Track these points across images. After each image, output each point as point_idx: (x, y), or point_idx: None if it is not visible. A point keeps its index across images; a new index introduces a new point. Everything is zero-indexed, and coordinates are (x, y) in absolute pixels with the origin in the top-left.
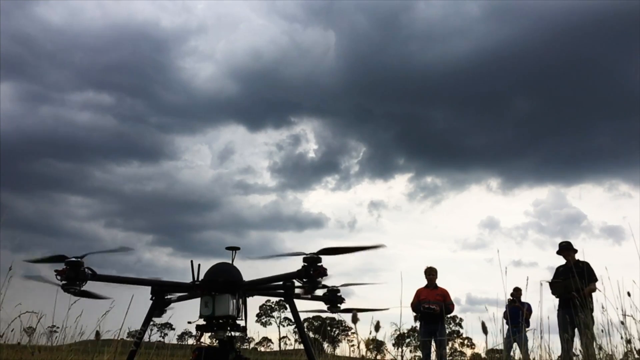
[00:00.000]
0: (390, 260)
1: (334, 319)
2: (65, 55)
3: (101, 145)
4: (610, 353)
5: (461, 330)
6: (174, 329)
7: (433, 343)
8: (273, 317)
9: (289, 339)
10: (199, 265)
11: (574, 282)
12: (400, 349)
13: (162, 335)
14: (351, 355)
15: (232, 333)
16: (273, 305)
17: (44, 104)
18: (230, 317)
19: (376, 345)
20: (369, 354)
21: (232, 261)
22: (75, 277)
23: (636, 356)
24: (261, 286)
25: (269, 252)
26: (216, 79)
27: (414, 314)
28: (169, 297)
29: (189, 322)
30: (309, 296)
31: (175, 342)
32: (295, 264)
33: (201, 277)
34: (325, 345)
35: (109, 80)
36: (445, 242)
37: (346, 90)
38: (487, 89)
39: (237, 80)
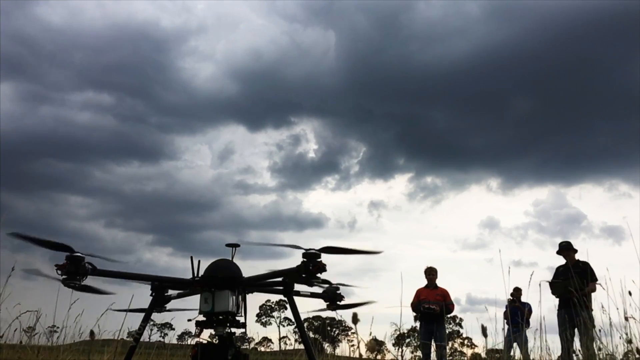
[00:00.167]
0: (390, 260)
1: (334, 318)
2: (65, 55)
3: (101, 145)
4: (610, 353)
5: (461, 330)
6: (174, 329)
7: (433, 343)
8: (273, 317)
9: (289, 339)
10: (199, 261)
11: (574, 282)
12: (400, 349)
13: (162, 335)
14: (351, 355)
15: (232, 329)
16: (273, 305)
17: (44, 104)
18: (229, 313)
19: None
20: (369, 354)
21: (232, 258)
22: (75, 271)
23: (637, 356)
24: (261, 282)
25: (269, 252)
26: (216, 79)
27: (414, 314)
28: (168, 294)
29: (189, 320)
30: (309, 293)
31: (175, 342)
32: (295, 261)
33: (201, 273)
34: (326, 345)
35: (109, 80)
36: (445, 242)
37: (346, 90)
38: (487, 89)
39: (237, 80)
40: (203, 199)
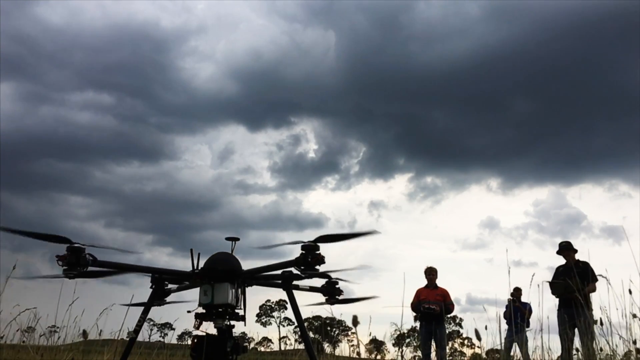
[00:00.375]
0: (390, 260)
1: (334, 318)
2: (65, 55)
3: (101, 145)
4: (610, 353)
5: (461, 330)
6: (174, 329)
7: (433, 343)
8: (273, 317)
9: (289, 339)
10: (199, 254)
11: (575, 282)
12: (400, 349)
13: (162, 335)
14: (351, 355)
15: (231, 322)
16: (273, 306)
17: (44, 104)
18: (229, 305)
19: (376, 346)
20: (369, 354)
21: (232, 251)
22: (76, 262)
23: (638, 356)
24: (260, 275)
25: (269, 252)
26: (216, 79)
27: (414, 314)
28: (168, 287)
29: (189, 312)
30: (308, 287)
31: (175, 342)
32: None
33: (201, 266)
34: (326, 345)
35: (109, 80)
36: (445, 242)
37: (346, 90)
38: (487, 89)
39: (237, 80)
40: (203, 199)
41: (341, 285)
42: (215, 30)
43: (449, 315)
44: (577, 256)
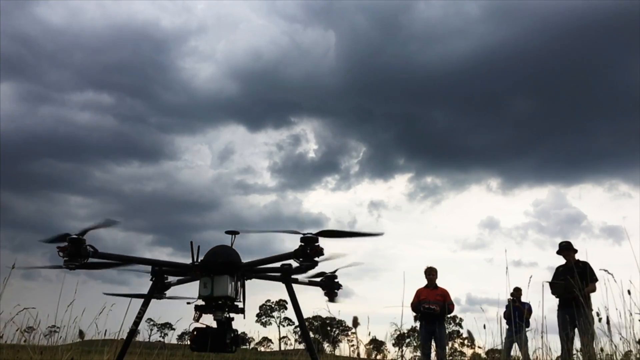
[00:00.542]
0: (390, 260)
1: (334, 318)
2: (65, 55)
3: (101, 145)
4: (610, 353)
5: (461, 330)
6: (174, 329)
7: (433, 343)
8: (273, 317)
9: (289, 339)
10: (199, 247)
11: (577, 282)
12: (400, 349)
13: (162, 335)
14: (351, 355)
15: (230, 314)
16: (273, 306)
17: (44, 104)
18: (228, 298)
19: (376, 346)
20: (367, 356)
21: (232, 244)
22: (77, 253)
23: (638, 356)
24: (259, 268)
25: (269, 252)
26: (216, 79)
27: (414, 314)
28: (168, 281)
29: (188, 303)
30: (307, 281)
31: (175, 342)
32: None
33: (201, 259)
34: (326, 345)
35: (109, 80)
36: (445, 242)
37: (346, 90)
38: (487, 89)
39: (237, 81)
40: (203, 199)
41: (344, 288)
42: (215, 30)
43: (449, 315)
44: (577, 256)
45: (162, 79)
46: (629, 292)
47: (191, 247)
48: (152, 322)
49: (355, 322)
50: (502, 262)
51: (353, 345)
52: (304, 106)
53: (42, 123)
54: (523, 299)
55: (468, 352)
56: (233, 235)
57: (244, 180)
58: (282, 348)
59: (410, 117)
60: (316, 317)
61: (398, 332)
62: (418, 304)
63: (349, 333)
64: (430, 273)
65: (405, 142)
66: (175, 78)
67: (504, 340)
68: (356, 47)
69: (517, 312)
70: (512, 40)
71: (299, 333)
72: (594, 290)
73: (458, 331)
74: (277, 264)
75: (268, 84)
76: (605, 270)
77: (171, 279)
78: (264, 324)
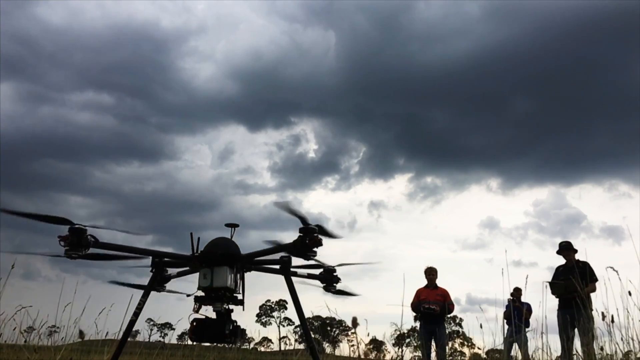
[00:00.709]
0: (390, 260)
1: (334, 318)
2: (65, 55)
3: (101, 145)
4: (611, 353)
5: (461, 330)
6: (174, 329)
7: (433, 343)
8: (273, 317)
9: (289, 339)
10: (199, 238)
11: (577, 282)
12: (400, 349)
13: (162, 335)
14: (351, 355)
15: (230, 306)
16: (273, 306)
17: (44, 104)
18: (228, 289)
19: (376, 346)
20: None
21: (232, 237)
22: (78, 243)
23: (638, 356)
24: (258, 260)
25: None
26: (216, 79)
27: (414, 314)
28: (168, 273)
29: (188, 295)
30: (306, 274)
31: (175, 342)
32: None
33: (201, 250)
34: (326, 345)
35: (109, 80)
36: (445, 242)
37: (346, 90)
38: (487, 89)
39: (237, 81)
40: (203, 199)
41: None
42: (215, 31)
43: (449, 316)
44: (577, 256)
45: (162, 79)
46: (629, 293)
47: (191, 239)
48: (152, 322)
49: (355, 323)
50: (502, 262)
51: (353, 345)
52: (304, 106)
53: (42, 123)
54: (523, 298)
55: (468, 352)
56: (233, 228)
57: (244, 180)
58: (282, 348)
59: (410, 117)
60: (316, 317)
61: (398, 332)
62: (418, 304)
63: (349, 333)
64: (430, 273)
65: (405, 142)
66: (175, 78)
67: (503, 341)
68: (356, 47)
69: (517, 312)
70: (512, 40)
71: (299, 333)
72: (594, 290)
73: (458, 331)
74: (277, 256)
75: (268, 84)
76: (611, 268)
77: (171, 271)
78: (264, 324)
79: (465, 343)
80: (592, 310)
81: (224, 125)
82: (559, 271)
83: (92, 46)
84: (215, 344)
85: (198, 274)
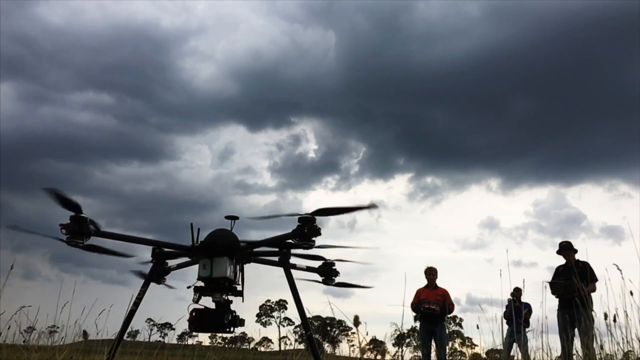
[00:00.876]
0: (390, 260)
1: (334, 318)
2: (65, 55)
3: (101, 145)
4: (610, 353)
5: (461, 330)
6: (174, 329)
7: (433, 343)
8: (273, 317)
9: (289, 339)
10: (199, 229)
11: (577, 282)
12: (400, 349)
13: (162, 335)
14: (351, 355)
15: (229, 297)
16: (273, 306)
17: (44, 104)
18: (227, 279)
19: (376, 346)
20: (369, 354)
21: (232, 229)
22: (79, 231)
23: (638, 356)
24: (258, 252)
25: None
26: (216, 79)
27: (414, 314)
28: (168, 266)
29: (188, 287)
30: (305, 267)
31: (175, 342)
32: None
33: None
34: (326, 345)
35: (109, 80)
36: (445, 242)
37: (346, 90)
38: (487, 89)
39: (237, 81)
40: (203, 199)
41: (343, 289)
42: (215, 31)
43: (449, 316)
44: (577, 256)
45: (162, 79)
46: (631, 293)
47: (191, 229)
48: (152, 322)
49: (357, 321)
50: (502, 262)
51: (353, 345)
52: (304, 106)
53: (42, 123)
54: (522, 299)
55: (468, 352)
56: (233, 221)
57: (244, 180)
58: (282, 348)
59: (410, 117)
60: (316, 317)
61: (398, 332)
62: (418, 304)
63: (349, 333)
64: (430, 273)
65: (405, 142)
66: (175, 78)
67: (503, 341)
68: (356, 47)
69: (517, 312)
70: (512, 40)
71: (299, 333)
72: (594, 290)
73: (458, 331)
74: (276, 248)
75: (268, 84)
76: (615, 265)
77: (171, 263)
78: (264, 324)
79: (465, 343)
80: (592, 310)
81: (224, 125)
82: (559, 271)
83: (92, 46)
84: (214, 334)
85: (198, 264)
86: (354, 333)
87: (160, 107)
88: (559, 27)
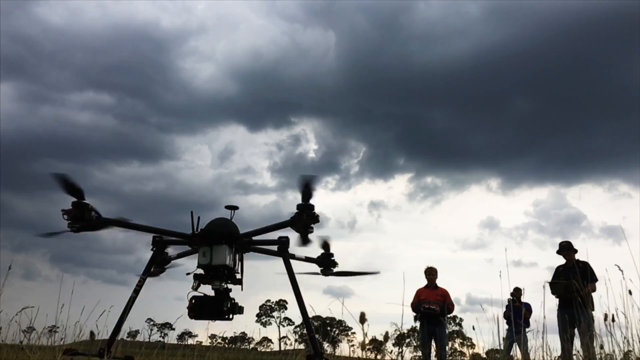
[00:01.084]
0: (390, 260)
1: (334, 318)
2: (65, 56)
3: (101, 145)
4: (610, 353)
5: (462, 330)
6: (174, 329)
7: (433, 343)
8: (273, 317)
9: (289, 339)
10: (199, 217)
11: (577, 282)
12: (400, 349)
13: (162, 335)
14: (351, 355)
15: (229, 285)
16: (273, 306)
17: (44, 104)
18: (226, 267)
19: (376, 345)
20: (368, 354)
21: (231, 219)
22: (81, 217)
23: (638, 356)
24: (257, 240)
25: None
26: (216, 79)
27: (414, 314)
28: (169, 255)
29: (187, 274)
30: (303, 257)
31: (175, 342)
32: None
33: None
34: (326, 345)
35: (109, 80)
36: (445, 242)
37: (346, 90)
38: (487, 89)
39: (237, 81)
40: (203, 199)
41: (343, 290)
42: (216, 31)
43: (449, 316)
44: (577, 256)
45: (162, 79)
46: (629, 292)
47: (191, 217)
48: (152, 322)
49: (363, 319)
50: (502, 262)
51: (353, 345)
52: (304, 106)
53: (42, 123)
54: (521, 299)
55: (468, 352)
56: (232, 211)
57: (244, 180)
58: (282, 348)
59: (410, 117)
60: (316, 317)
61: (398, 332)
62: (418, 304)
63: (349, 333)
64: (430, 273)
65: (405, 142)
66: (175, 78)
67: (502, 341)
68: (356, 47)
69: (517, 312)
70: (512, 40)
71: (299, 333)
72: (594, 290)
73: (458, 331)
74: (275, 237)
75: (268, 84)
76: (617, 266)
77: (171, 253)
78: (264, 324)
79: (465, 343)
80: (592, 310)
81: (224, 125)
82: (559, 271)
83: (92, 46)
84: (214, 320)
85: (198, 252)
86: (354, 333)
87: (160, 107)
88: (558, 27)
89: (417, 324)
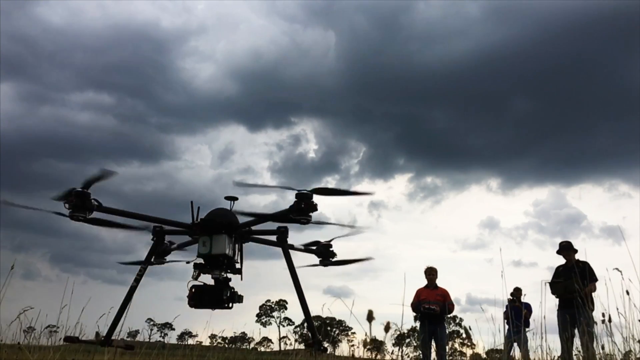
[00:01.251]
0: (390, 260)
1: (334, 318)
2: (65, 55)
3: (101, 145)
4: (611, 353)
5: (461, 330)
6: (174, 329)
7: (433, 343)
8: (273, 317)
9: (289, 339)
10: (199, 207)
11: (577, 282)
12: (400, 349)
13: (162, 335)
14: (351, 355)
15: (228, 274)
16: (273, 306)
17: (44, 104)
18: (226, 256)
19: (376, 345)
20: (368, 354)
21: (231, 209)
22: (82, 206)
23: (638, 356)
24: (256, 229)
25: (270, 253)
26: (216, 79)
27: (414, 314)
28: (170, 246)
29: (187, 262)
30: (302, 247)
31: (175, 342)
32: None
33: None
34: (326, 344)
35: (109, 80)
36: (445, 242)
37: (346, 90)
38: (487, 89)
39: (237, 81)
40: (203, 199)
41: (343, 290)
42: (216, 31)
43: (449, 315)
44: (577, 256)
45: (162, 79)
46: (627, 292)
47: (191, 208)
48: (152, 322)
49: (370, 316)
50: (502, 263)
51: (353, 345)
52: (304, 106)
53: (42, 123)
54: (522, 299)
55: (468, 352)
56: (232, 201)
57: (244, 180)
58: (282, 348)
59: (410, 117)
60: (316, 317)
61: (398, 332)
62: (418, 304)
63: (349, 333)
64: (430, 273)
65: (405, 142)
66: (175, 78)
67: (502, 341)
68: (356, 47)
69: (517, 312)
70: (512, 40)
71: (299, 333)
72: (594, 290)
73: (458, 331)
74: (274, 227)
75: (268, 84)
76: (617, 269)
77: (172, 245)
78: (264, 324)
79: (465, 343)
80: (593, 310)
81: (224, 125)
82: (559, 271)
83: (92, 46)
84: (213, 309)
85: (198, 242)
86: (354, 333)
87: (161, 107)
88: (559, 27)
89: (417, 324)
